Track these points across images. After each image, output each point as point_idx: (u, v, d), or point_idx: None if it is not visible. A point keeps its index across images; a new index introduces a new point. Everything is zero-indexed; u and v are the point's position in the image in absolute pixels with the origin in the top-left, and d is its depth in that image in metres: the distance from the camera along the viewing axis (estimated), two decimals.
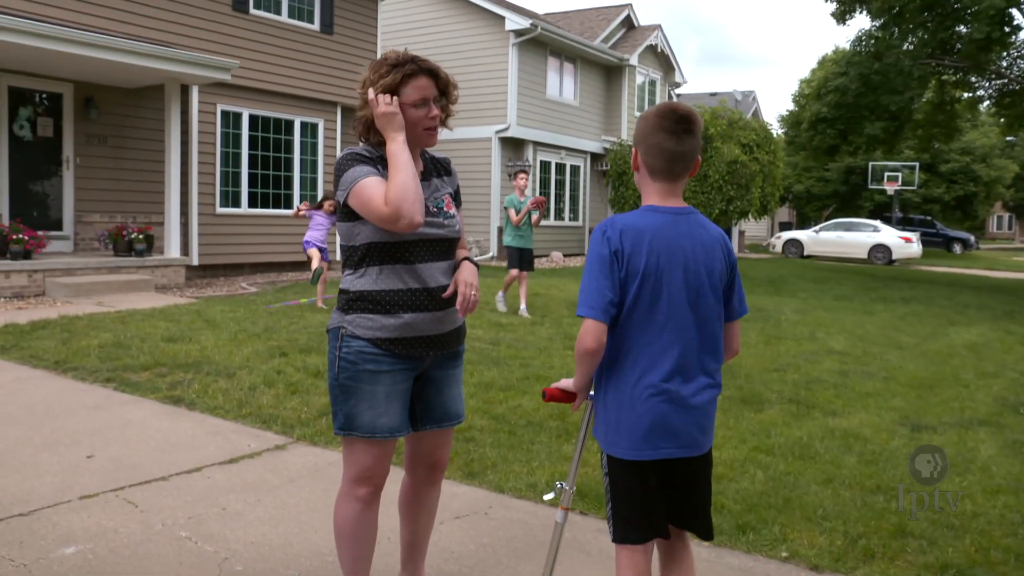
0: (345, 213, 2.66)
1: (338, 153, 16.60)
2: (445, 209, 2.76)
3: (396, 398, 2.69)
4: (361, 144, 2.72)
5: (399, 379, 2.69)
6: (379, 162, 2.64)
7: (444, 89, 2.72)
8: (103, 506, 3.97)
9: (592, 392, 2.57)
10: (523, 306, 10.88)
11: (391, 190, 2.52)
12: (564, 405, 5.52)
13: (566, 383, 2.56)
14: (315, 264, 10.67)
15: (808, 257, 30.02)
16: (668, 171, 2.43)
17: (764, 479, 4.58)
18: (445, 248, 2.73)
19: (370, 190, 2.55)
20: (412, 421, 2.83)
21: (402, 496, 3.04)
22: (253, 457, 4.79)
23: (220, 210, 14.85)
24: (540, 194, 22.60)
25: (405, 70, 2.63)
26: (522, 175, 10.91)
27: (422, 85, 2.64)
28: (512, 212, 10.81)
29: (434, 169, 2.83)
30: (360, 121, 2.71)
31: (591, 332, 2.32)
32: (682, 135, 2.40)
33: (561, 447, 5.02)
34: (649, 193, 2.48)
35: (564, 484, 2.74)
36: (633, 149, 2.51)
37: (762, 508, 4.13)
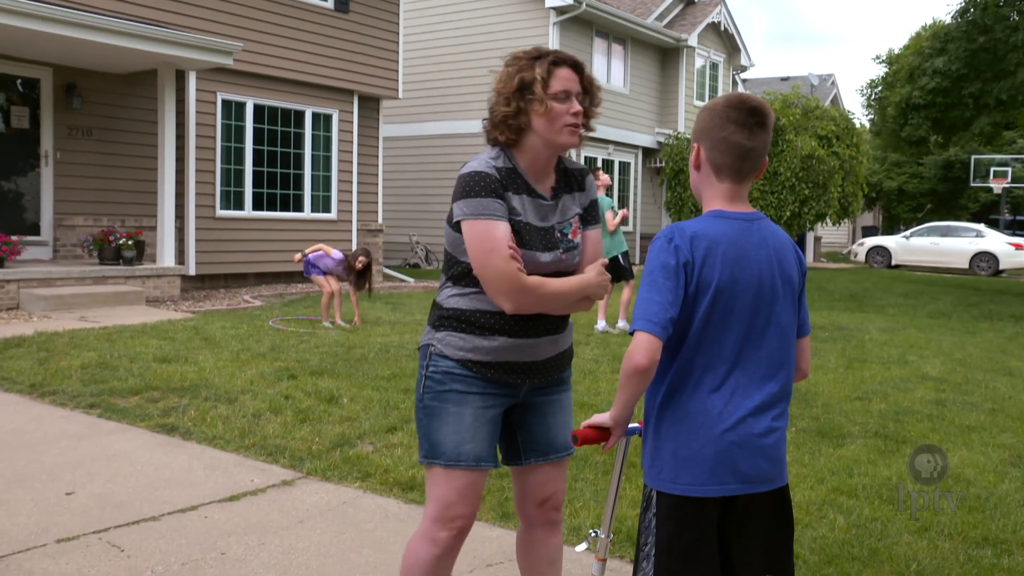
0: (458, 226, 2.71)
1: (355, 147, 16.84)
2: (570, 237, 2.81)
3: (484, 424, 2.75)
4: (485, 154, 2.74)
5: (490, 403, 2.75)
6: (506, 181, 2.68)
7: (588, 87, 2.78)
8: (84, 550, 4.00)
9: (631, 426, 2.56)
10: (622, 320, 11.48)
11: (544, 287, 2.64)
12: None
13: (600, 418, 2.55)
14: (325, 298, 10.96)
15: (896, 267, 29.69)
16: (736, 170, 2.44)
17: (846, 525, 4.51)
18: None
19: (490, 242, 2.60)
20: (516, 454, 2.91)
21: (518, 546, 3.08)
22: (257, 494, 4.80)
23: (220, 213, 15.02)
24: None
25: (549, 59, 2.70)
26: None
27: (565, 76, 2.71)
28: (609, 215, 11.03)
29: (566, 184, 2.86)
30: (493, 121, 2.75)
31: (644, 347, 2.29)
32: (754, 128, 2.41)
33: (608, 485, 4.98)
34: (712, 196, 2.48)
35: (599, 532, 2.72)
36: (695, 146, 2.51)
37: (844, 560, 4.07)
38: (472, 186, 2.64)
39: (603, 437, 2.56)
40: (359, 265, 10.80)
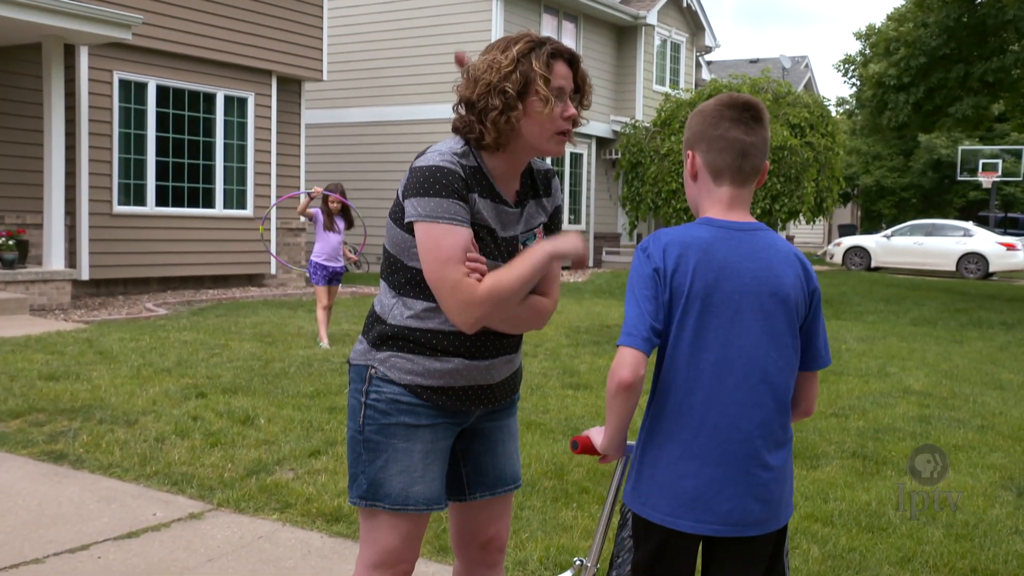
0: (408, 227, 2.61)
1: (273, 135, 16.70)
2: None
3: (435, 459, 2.71)
4: (447, 146, 2.64)
5: (440, 435, 2.71)
6: (472, 180, 2.60)
7: (581, 85, 2.70)
8: None
9: (629, 443, 2.58)
10: None
11: (497, 287, 2.52)
12: (582, 457, 5.50)
13: (596, 439, 2.57)
14: (320, 312, 10.56)
15: (877, 269, 30.17)
16: (736, 170, 2.48)
17: (821, 556, 4.56)
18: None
19: (448, 250, 2.52)
20: (460, 488, 2.86)
21: None
22: (159, 529, 4.75)
23: (118, 209, 14.83)
24: None
25: (546, 50, 2.60)
26: None
27: (561, 72, 2.63)
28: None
29: (532, 188, 2.80)
30: (480, 117, 2.60)
31: (627, 362, 2.34)
32: (751, 123, 2.47)
33: (558, 513, 5.00)
34: (709, 206, 2.51)
35: (585, 560, 2.73)
36: (688, 154, 2.53)
37: None
38: (431, 183, 2.54)
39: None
40: (336, 205, 10.53)
